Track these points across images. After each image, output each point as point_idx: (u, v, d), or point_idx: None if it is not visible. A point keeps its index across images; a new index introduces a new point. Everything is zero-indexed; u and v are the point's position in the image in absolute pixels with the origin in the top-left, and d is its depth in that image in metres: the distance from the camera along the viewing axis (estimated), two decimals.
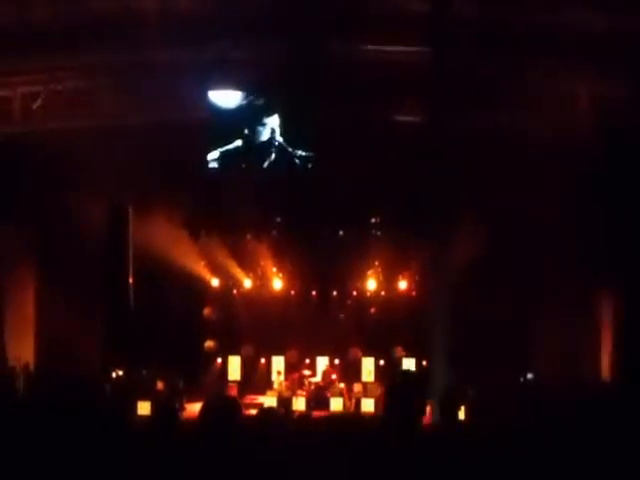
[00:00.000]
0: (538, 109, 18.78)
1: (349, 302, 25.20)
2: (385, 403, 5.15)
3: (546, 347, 21.45)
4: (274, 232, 23.91)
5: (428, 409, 7.25)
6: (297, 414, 19.80)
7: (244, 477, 4.79)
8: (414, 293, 24.46)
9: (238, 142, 20.02)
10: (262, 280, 25.27)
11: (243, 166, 20.05)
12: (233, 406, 5.29)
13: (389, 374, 22.83)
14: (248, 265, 25.02)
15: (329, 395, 22.53)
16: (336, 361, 24.36)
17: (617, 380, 20.09)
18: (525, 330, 21.85)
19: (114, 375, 21.98)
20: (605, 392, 19.12)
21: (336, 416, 6.70)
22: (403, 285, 24.66)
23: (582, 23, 17.01)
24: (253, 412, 6.32)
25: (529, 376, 21.79)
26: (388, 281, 24.79)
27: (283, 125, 19.83)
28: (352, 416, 6.88)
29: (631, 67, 17.52)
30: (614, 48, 16.89)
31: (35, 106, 19.41)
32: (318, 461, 4.88)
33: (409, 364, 22.83)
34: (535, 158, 18.30)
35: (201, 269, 24.55)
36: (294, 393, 22.67)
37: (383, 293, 24.94)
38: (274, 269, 25.05)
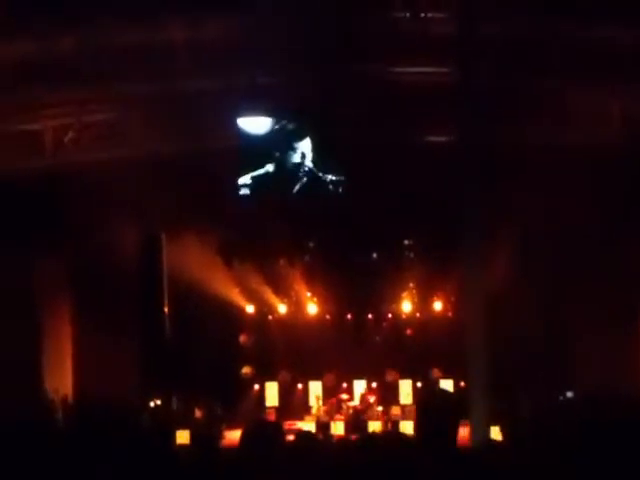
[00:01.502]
0: (570, 125, 18.69)
1: (384, 325, 25.13)
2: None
3: (586, 364, 21.27)
4: (307, 257, 23.91)
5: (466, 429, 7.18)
6: (336, 438, 19.75)
7: None
8: (450, 314, 24.37)
9: (269, 167, 20.06)
10: (297, 305, 25.26)
11: (275, 191, 20.08)
12: (275, 430, 5.27)
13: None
14: (282, 291, 25.03)
15: (367, 419, 22.45)
16: (373, 384, 24.28)
17: None
18: (564, 347, 21.69)
19: (152, 405, 22.01)
20: None
21: (372, 436, 6.63)
22: (438, 306, 24.57)
23: (613, 38, 16.93)
24: (291, 438, 6.27)
25: (569, 394, 21.59)
26: (423, 302, 24.71)
27: (314, 149, 19.84)
28: (387, 435, 6.82)
29: None
30: None
31: (66, 139, 19.54)
32: None
33: (446, 385, 22.69)
34: (568, 174, 18.20)
35: (235, 296, 24.58)
36: (332, 418, 22.61)
37: (418, 315, 24.87)
38: (308, 294, 25.04)
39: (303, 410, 23.68)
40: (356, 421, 22.31)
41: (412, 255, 23.36)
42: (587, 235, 20.66)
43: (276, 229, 21.32)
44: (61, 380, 21.87)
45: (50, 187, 19.62)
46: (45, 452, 6.80)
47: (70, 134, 19.49)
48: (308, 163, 19.90)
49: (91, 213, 20.25)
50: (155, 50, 17.60)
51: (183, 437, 19.42)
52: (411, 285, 24.43)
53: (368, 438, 5.77)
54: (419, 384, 23.83)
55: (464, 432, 5.02)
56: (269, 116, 19.92)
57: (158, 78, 18.31)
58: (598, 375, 20.41)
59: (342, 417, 22.66)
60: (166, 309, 22.67)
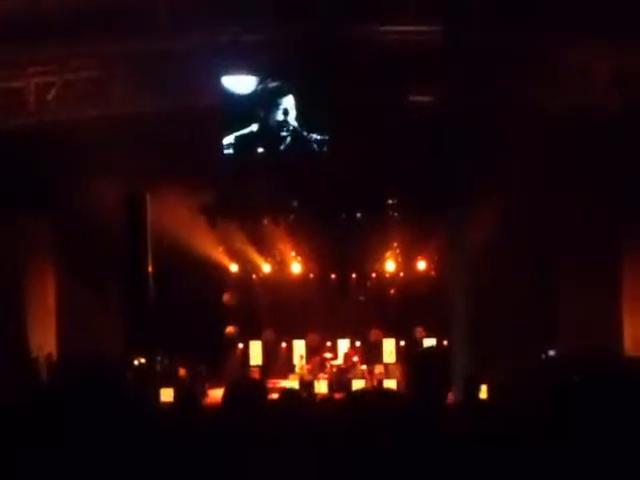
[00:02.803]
0: (555, 83, 18.69)
1: (368, 284, 25.15)
2: (407, 380, 5.15)
3: (568, 322, 21.41)
4: (291, 216, 23.84)
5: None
6: (319, 397, 19.86)
7: (269, 460, 4.79)
8: (433, 273, 24.40)
9: (253, 127, 20.01)
10: (281, 264, 25.24)
11: (259, 150, 20.03)
12: (258, 388, 5.30)
13: (411, 353, 22.83)
14: (266, 250, 24.99)
15: (351, 377, 22.55)
16: (357, 343, 24.35)
17: None
18: (547, 306, 21.81)
19: (136, 363, 22.04)
20: (629, 367, 19.04)
21: (357, 393, 6.66)
22: (422, 265, 24.59)
23: None
24: (275, 396, 6.30)
25: (550, 353, 21.74)
26: (407, 262, 24.73)
27: (298, 109, 19.79)
28: (374, 392, 6.85)
29: None
30: (631, 21, 16.77)
31: (49, 96, 19.43)
32: (341, 442, 4.87)
33: (430, 344, 22.80)
34: (553, 132, 18.22)
35: (219, 255, 24.54)
36: (316, 376, 22.70)
37: (402, 274, 24.89)
38: (292, 253, 25.01)
39: (287, 369, 23.76)
40: (340, 380, 22.41)
41: (396, 214, 23.30)
42: (571, 193, 20.73)
43: (260, 188, 21.27)
44: (45, 338, 21.90)
45: (33, 146, 19.50)
46: (29, 409, 6.82)
47: (53, 92, 19.39)
48: (292, 122, 19.85)
49: (75, 172, 20.16)
50: (137, 6, 17.51)
51: (167, 395, 19.50)
52: (395, 244, 24.42)
53: (354, 395, 5.80)
54: (402, 343, 23.92)
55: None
56: (253, 74, 19.85)
57: (141, 36, 18.22)
58: (580, 333, 20.55)
59: (326, 376, 22.76)
60: (150, 268, 22.60)
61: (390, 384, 21.54)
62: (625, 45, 17.87)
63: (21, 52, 18.27)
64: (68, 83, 19.41)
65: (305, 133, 19.79)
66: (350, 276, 25.04)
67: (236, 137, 19.89)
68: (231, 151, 19.98)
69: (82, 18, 17.52)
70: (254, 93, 19.91)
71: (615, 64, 18.83)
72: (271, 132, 19.90)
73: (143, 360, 22.08)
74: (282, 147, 19.90)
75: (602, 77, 18.96)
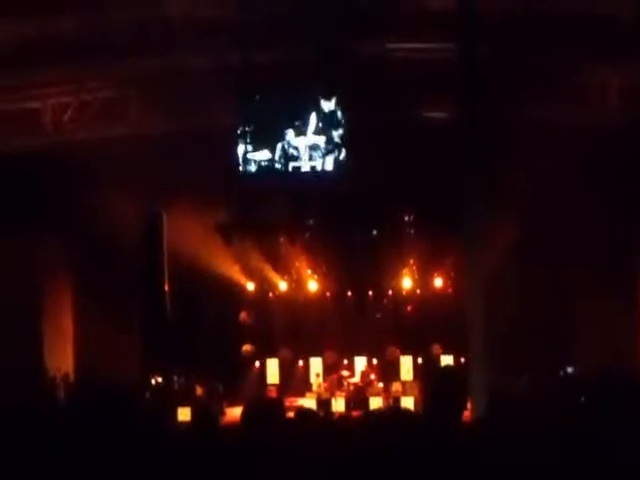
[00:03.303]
0: (569, 100, 18.68)
1: (385, 301, 25.11)
2: (425, 399, 5.13)
3: (586, 339, 21.33)
4: (307, 234, 23.86)
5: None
6: (337, 415, 19.81)
7: (287, 478, 4.78)
8: (450, 290, 24.34)
9: (269, 146, 20.05)
10: (297, 282, 25.23)
11: (275, 168, 20.05)
12: (276, 407, 5.29)
13: (428, 371, 22.78)
14: (282, 268, 25.00)
15: (368, 395, 22.50)
16: (374, 361, 24.31)
17: None
18: (565, 323, 21.75)
19: (153, 382, 22.07)
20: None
21: (374, 413, 6.65)
22: (439, 282, 24.54)
23: (610, 13, 16.92)
24: (292, 414, 6.29)
25: (569, 369, 21.65)
26: (423, 279, 24.69)
27: (313, 127, 19.82)
28: (391, 412, 6.82)
29: None
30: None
31: (65, 117, 19.52)
32: (359, 461, 4.86)
33: (447, 361, 22.73)
34: (567, 148, 18.19)
35: (236, 273, 24.56)
36: (333, 394, 22.66)
37: (419, 291, 24.84)
38: (309, 271, 25.01)
39: (304, 387, 23.72)
40: (357, 398, 22.36)
41: (412, 231, 23.30)
42: (587, 208, 20.69)
43: (276, 206, 21.30)
44: (62, 358, 21.94)
45: (50, 166, 19.61)
46: (47, 430, 6.82)
47: (69, 112, 19.48)
48: (308, 141, 19.88)
49: (91, 192, 20.24)
50: (152, 28, 17.60)
51: (184, 414, 19.49)
52: (411, 261, 24.39)
53: (371, 414, 5.79)
54: (420, 360, 23.86)
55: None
56: (268, 94, 19.91)
57: (156, 56, 18.29)
58: (598, 350, 20.45)
59: (343, 394, 22.71)
60: (166, 287, 22.67)
61: (407, 402, 21.49)
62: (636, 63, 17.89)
63: (37, 73, 18.37)
64: (84, 103, 19.50)
65: (320, 150, 19.81)
66: (367, 294, 25.01)
67: (253, 155, 19.92)
68: (250, 169, 20.01)
69: (96, 40, 17.62)
70: (270, 112, 19.96)
71: (627, 82, 18.84)
72: (287, 151, 19.93)
73: (160, 379, 22.12)
74: (297, 164, 19.92)
75: (615, 94, 18.95)
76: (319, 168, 19.91)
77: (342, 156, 19.74)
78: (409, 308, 24.92)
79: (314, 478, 4.89)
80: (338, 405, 22.14)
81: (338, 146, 19.76)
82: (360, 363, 24.14)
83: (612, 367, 18.88)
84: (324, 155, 19.82)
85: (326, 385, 23.12)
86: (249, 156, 19.97)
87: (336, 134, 19.78)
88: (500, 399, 7.63)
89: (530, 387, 17.94)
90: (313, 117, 19.84)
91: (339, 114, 19.73)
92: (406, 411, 5.46)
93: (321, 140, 19.84)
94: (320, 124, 19.82)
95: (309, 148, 19.84)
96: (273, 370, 24.38)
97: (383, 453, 4.75)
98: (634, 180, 19.44)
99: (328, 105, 19.79)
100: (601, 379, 16.87)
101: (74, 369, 22.18)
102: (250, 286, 24.98)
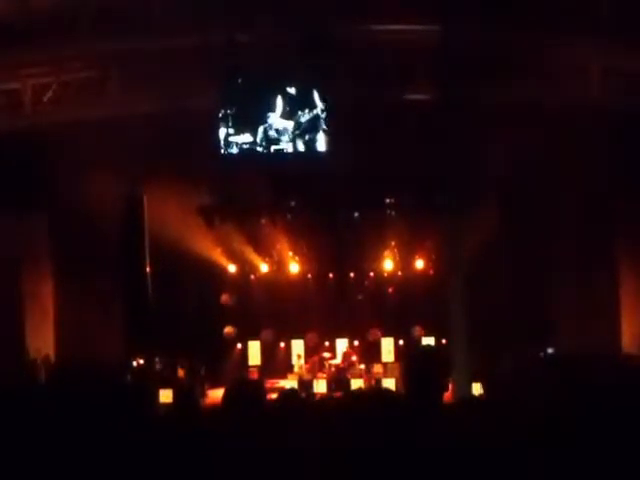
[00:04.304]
0: (553, 82, 18.69)
1: (366, 283, 25.16)
2: (405, 378, 5.12)
3: (566, 321, 21.43)
4: (289, 216, 23.84)
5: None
6: (318, 396, 19.86)
7: (268, 460, 4.78)
8: (431, 272, 24.40)
9: (251, 127, 19.99)
10: (279, 264, 25.23)
11: (257, 150, 20.00)
12: (257, 389, 5.29)
13: (409, 353, 22.83)
14: (264, 250, 24.99)
15: (350, 377, 22.56)
16: (355, 342, 24.38)
17: None
18: (544, 304, 21.83)
19: (135, 364, 22.05)
20: (627, 364, 19.05)
21: (355, 392, 6.65)
22: (420, 264, 24.59)
23: None
24: (274, 396, 6.29)
25: (549, 351, 21.75)
26: (405, 261, 24.73)
27: (294, 109, 19.77)
28: (372, 392, 6.82)
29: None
30: (629, 20, 16.81)
31: (45, 98, 19.41)
32: (340, 441, 4.86)
33: (428, 343, 22.80)
34: (549, 130, 18.23)
35: (217, 255, 24.54)
36: (315, 376, 22.71)
37: (400, 273, 24.89)
38: (290, 253, 25.01)
39: (285, 369, 23.77)
40: (338, 379, 22.41)
41: (393, 213, 23.30)
42: (568, 191, 20.77)
43: (257, 188, 21.26)
44: (43, 340, 21.87)
45: (30, 147, 19.50)
46: (27, 411, 6.80)
47: (49, 93, 19.37)
48: (289, 122, 19.83)
49: (72, 173, 20.15)
50: (133, 6, 17.50)
51: (166, 396, 19.45)
52: (393, 243, 24.42)
53: (352, 394, 5.79)
54: (401, 342, 23.94)
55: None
56: (251, 74, 19.83)
57: (137, 36, 18.20)
58: (579, 331, 20.56)
59: (324, 375, 22.77)
60: (148, 269, 22.62)
61: (389, 383, 21.54)
62: (619, 45, 17.92)
63: (16, 54, 18.25)
64: (64, 84, 19.38)
65: (302, 133, 19.76)
66: (348, 275, 25.05)
67: (235, 137, 19.86)
68: (229, 152, 19.94)
69: (77, 19, 17.52)
70: (252, 93, 19.88)
71: (610, 63, 18.86)
72: (268, 132, 19.88)
73: (142, 361, 22.10)
74: (279, 146, 19.87)
75: (597, 76, 18.98)
76: (301, 150, 19.87)
77: (323, 139, 19.70)
78: (390, 290, 24.97)
79: (296, 459, 4.89)
80: (319, 386, 22.20)
81: (320, 128, 19.71)
82: (341, 345, 24.19)
83: (592, 348, 19.03)
84: (306, 138, 19.77)
85: (307, 367, 23.16)
86: (231, 139, 19.89)
87: (319, 116, 19.73)
88: (481, 380, 7.66)
89: (510, 368, 18.01)
90: (297, 99, 19.78)
91: (321, 96, 19.67)
92: (387, 391, 5.46)
93: (303, 123, 19.79)
94: (302, 107, 19.77)
95: (291, 131, 19.78)
96: (254, 352, 24.41)
97: (364, 434, 4.76)
98: (615, 160, 19.50)
99: (311, 87, 19.73)
100: (581, 360, 16.99)
101: (55, 351, 22.12)
102: (232, 268, 24.97)
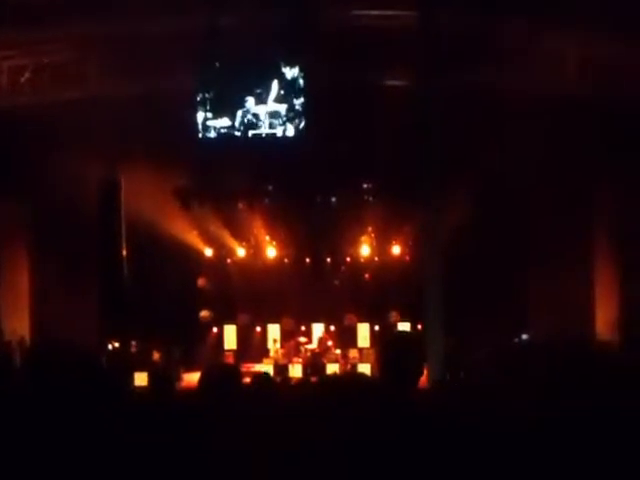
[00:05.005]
0: (526, 70, 18.75)
1: (343, 268, 25.19)
2: (381, 364, 5.14)
3: (541, 307, 21.56)
4: (266, 200, 23.82)
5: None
6: (294, 381, 19.90)
7: (243, 444, 4.81)
8: (408, 258, 24.45)
9: (228, 111, 19.95)
10: (255, 249, 25.23)
11: (234, 134, 19.97)
12: (232, 373, 5.30)
13: (385, 338, 22.89)
14: (241, 234, 24.97)
15: (325, 361, 22.61)
16: (332, 327, 24.41)
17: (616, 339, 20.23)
18: (519, 291, 21.95)
19: (110, 347, 22.01)
20: (603, 351, 19.19)
21: (329, 377, 6.68)
22: (397, 250, 24.64)
23: None
24: (249, 380, 6.30)
25: (524, 337, 21.86)
26: (382, 246, 24.77)
27: (273, 92, 19.74)
28: (346, 376, 6.85)
29: (617, 28, 17.48)
30: (601, 8, 16.85)
31: (22, 79, 19.30)
32: (315, 426, 4.89)
33: (404, 329, 22.86)
34: (525, 117, 18.28)
35: (194, 239, 24.50)
36: (290, 360, 22.75)
37: (377, 259, 24.93)
38: (267, 237, 25.00)
39: (261, 353, 23.78)
40: (314, 364, 22.45)
41: (371, 199, 23.33)
42: (543, 177, 20.88)
43: (235, 172, 21.22)
44: (18, 322, 21.82)
45: (7, 128, 19.39)
46: (1, 392, 6.80)
47: (26, 75, 19.26)
48: (267, 106, 19.81)
49: (49, 155, 20.05)
50: None
51: (141, 379, 19.45)
52: (370, 229, 24.46)
53: (327, 378, 5.81)
54: (377, 327, 23.99)
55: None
56: (229, 58, 19.78)
57: (116, 17, 18.10)
58: (553, 318, 20.67)
59: (300, 360, 22.80)
60: (124, 252, 22.57)
61: (364, 368, 21.61)
62: (594, 34, 18.00)
63: None
64: (41, 66, 19.28)
65: (280, 117, 19.75)
66: (325, 260, 25.07)
67: (212, 120, 19.83)
68: (206, 136, 19.91)
69: (55, 1, 17.41)
70: (231, 77, 19.84)
71: (585, 52, 18.95)
72: (246, 116, 19.85)
73: (117, 344, 22.07)
74: (257, 131, 19.85)
75: (572, 64, 19.07)
76: (279, 135, 19.86)
77: (303, 124, 19.70)
78: (367, 275, 25.02)
79: (270, 443, 4.91)
80: (295, 371, 22.23)
81: (299, 114, 19.70)
82: (317, 329, 24.22)
83: (567, 334, 19.14)
84: (285, 122, 19.76)
85: (283, 351, 23.19)
86: (209, 123, 19.86)
87: (297, 102, 19.72)
88: (455, 366, 7.72)
89: (485, 354, 18.10)
90: (275, 84, 19.76)
91: (301, 81, 19.66)
92: (362, 376, 5.49)
93: (282, 108, 19.78)
94: (282, 91, 19.75)
95: (269, 115, 19.77)
96: (230, 336, 24.40)
97: (339, 418, 4.78)
98: (589, 152, 19.61)
99: (290, 72, 19.71)
100: (552, 346, 17.10)
101: (30, 333, 22.07)
102: (208, 252, 24.96)
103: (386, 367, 5.04)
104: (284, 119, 19.72)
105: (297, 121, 19.70)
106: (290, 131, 19.72)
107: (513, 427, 5.84)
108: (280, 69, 19.73)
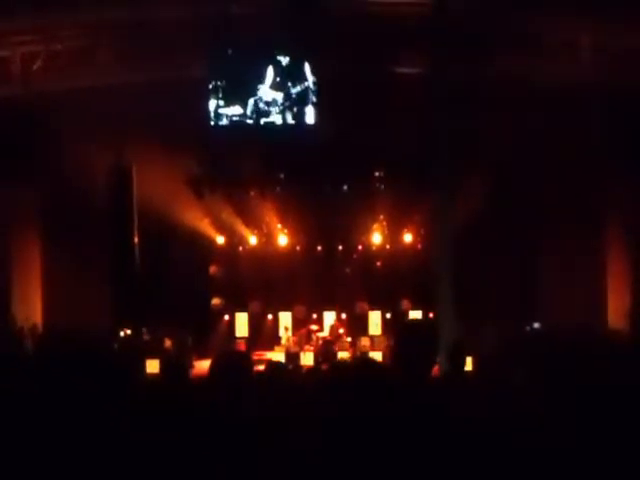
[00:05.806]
0: (540, 58, 18.68)
1: (355, 256, 25.18)
2: (393, 352, 5.12)
3: (552, 295, 21.52)
4: (278, 188, 23.82)
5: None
6: (305, 368, 19.90)
7: (255, 431, 4.81)
8: (419, 246, 24.43)
9: (240, 100, 19.94)
10: (267, 237, 25.23)
11: (247, 122, 19.96)
12: (244, 361, 5.30)
13: (397, 324, 22.88)
14: (253, 222, 24.97)
15: (337, 349, 22.59)
16: (343, 315, 24.41)
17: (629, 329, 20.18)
18: (531, 279, 21.91)
19: (122, 334, 22.05)
20: (614, 340, 19.15)
21: (341, 363, 6.66)
22: (408, 238, 24.61)
23: None
24: (261, 368, 6.31)
25: (535, 325, 21.83)
26: (393, 234, 24.75)
27: (285, 81, 19.73)
28: (357, 362, 6.85)
29: (632, 18, 17.41)
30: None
31: (35, 67, 19.31)
32: (327, 413, 4.89)
33: (416, 316, 22.85)
34: (539, 105, 18.22)
35: (206, 227, 24.51)
36: (302, 348, 22.74)
37: (388, 247, 24.91)
38: (279, 225, 25.00)
39: (273, 341, 23.81)
40: (325, 352, 22.43)
41: (382, 187, 23.30)
42: (556, 167, 20.80)
43: (247, 160, 21.21)
44: (31, 309, 21.89)
45: (19, 115, 19.41)
46: (14, 380, 6.82)
47: (39, 62, 19.27)
48: (279, 94, 19.79)
49: (61, 142, 20.06)
50: None
51: (153, 366, 19.47)
52: (381, 217, 24.44)
53: (337, 365, 5.80)
54: (388, 315, 23.98)
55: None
56: (241, 46, 19.76)
57: (128, 5, 18.09)
58: (565, 307, 20.63)
59: (311, 348, 22.80)
60: (136, 239, 22.58)
61: (376, 356, 21.59)
62: (608, 22, 17.92)
63: (6, 21, 18.14)
64: (54, 53, 19.29)
65: (292, 106, 19.73)
66: (336, 248, 25.06)
67: (225, 108, 19.82)
68: (219, 124, 19.91)
69: None
70: (242, 65, 19.83)
71: (599, 40, 18.86)
72: (258, 105, 19.84)
73: (129, 331, 22.10)
74: (269, 120, 19.84)
75: (586, 52, 18.98)
76: (290, 122, 19.84)
77: (313, 111, 19.67)
78: (378, 263, 25.00)
79: (282, 430, 4.92)
80: (306, 359, 22.22)
81: (309, 101, 19.68)
82: (329, 317, 24.23)
83: (579, 322, 19.12)
84: (295, 110, 19.74)
85: (295, 339, 23.19)
86: (221, 111, 19.86)
87: (309, 89, 19.70)
88: (465, 354, 7.68)
89: (497, 343, 18.08)
90: (284, 71, 19.73)
91: (311, 68, 19.63)
92: (373, 361, 5.46)
93: (293, 94, 19.75)
94: (292, 79, 19.73)
95: (280, 102, 19.75)
96: (242, 323, 24.43)
97: (350, 405, 4.78)
98: (605, 135, 19.53)
99: (300, 60, 19.68)
100: (566, 335, 17.08)
101: (42, 320, 22.14)
102: (220, 240, 24.96)
103: (398, 355, 5.02)
104: (296, 107, 19.70)
105: (308, 109, 19.68)
106: (301, 119, 19.70)
107: (522, 418, 5.82)
108: (292, 56, 19.70)
